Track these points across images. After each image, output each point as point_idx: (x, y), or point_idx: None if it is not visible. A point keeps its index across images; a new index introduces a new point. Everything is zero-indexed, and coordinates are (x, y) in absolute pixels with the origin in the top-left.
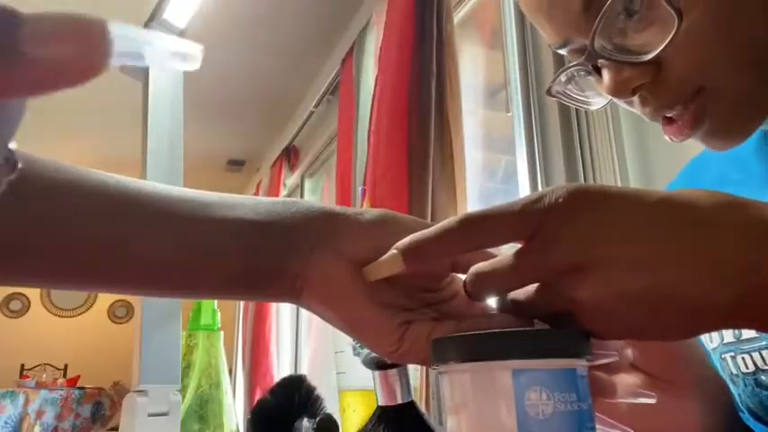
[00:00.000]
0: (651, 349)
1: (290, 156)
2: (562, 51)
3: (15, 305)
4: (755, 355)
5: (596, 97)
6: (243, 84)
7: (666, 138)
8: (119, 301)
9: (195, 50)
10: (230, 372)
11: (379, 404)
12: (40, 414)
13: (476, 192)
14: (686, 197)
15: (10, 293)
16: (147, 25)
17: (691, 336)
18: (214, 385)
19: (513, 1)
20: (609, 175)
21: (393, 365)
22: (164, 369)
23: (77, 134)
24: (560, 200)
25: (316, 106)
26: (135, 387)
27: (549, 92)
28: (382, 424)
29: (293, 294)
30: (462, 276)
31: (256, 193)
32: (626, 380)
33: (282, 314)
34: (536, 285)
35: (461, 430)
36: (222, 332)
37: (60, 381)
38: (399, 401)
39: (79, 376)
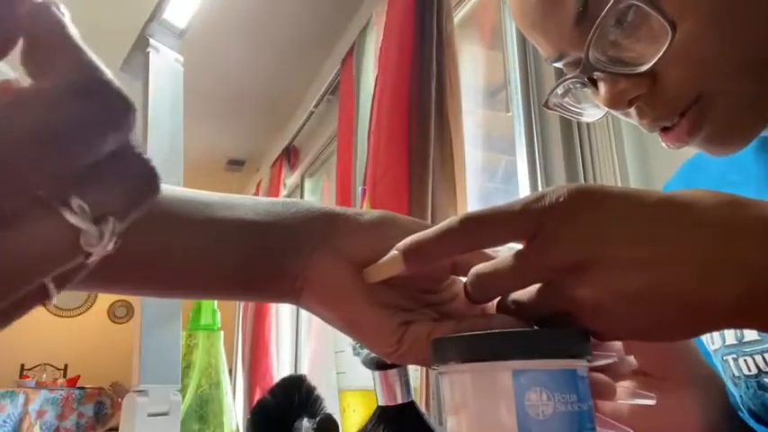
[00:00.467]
0: (645, 347)
1: (290, 156)
2: (558, 65)
3: None
4: (758, 358)
5: (593, 109)
6: (243, 84)
7: (664, 145)
8: (119, 301)
9: None
10: (230, 372)
11: (379, 404)
12: (40, 414)
13: (476, 192)
14: (687, 197)
15: None
16: (147, 25)
17: (691, 336)
18: (214, 385)
19: None
20: (609, 175)
21: (393, 365)
22: (164, 369)
23: None
24: (561, 199)
25: (316, 106)
26: (135, 387)
27: (546, 105)
28: (382, 424)
29: (293, 295)
30: (462, 279)
31: (256, 193)
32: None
33: (282, 314)
34: (536, 286)
35: (461, 430)
36: (222, 332)
37: (60, 381)
38: (399, 401)
39: (79, 376)
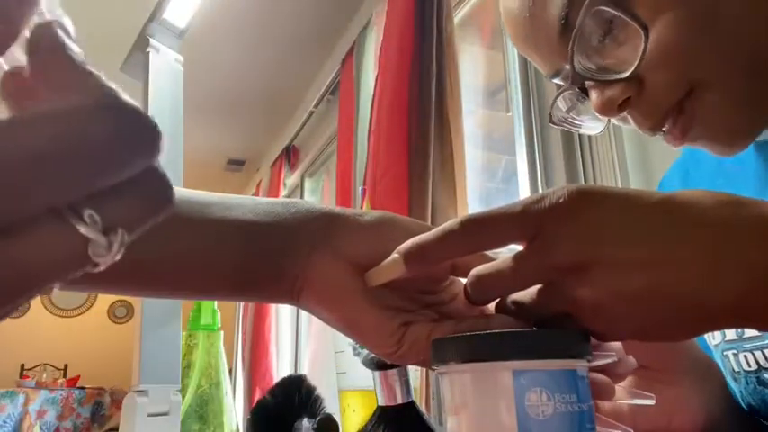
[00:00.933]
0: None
1: (290, 156)
2: (557, 81)
3: None
4: (758, 354)
5: (594, 121)
6: (243, 83)
7: (667, 142)
8: (119, 301)
9: None
10: (230, 372)
11: (379, 404)
12: (40, 414)
13: (476, 192)
14: (686, 197)
15: None
16: (147, 25)
17: (692, 336)
18: (214, 385)
19: None
20: (609, 175)
21: (393, 365)
22: (164, 369)
23: None
24: (561, 200)
25: (316, 106)
26: (135, 387)
27: (551, 121)
28: (382, 424)
29: (292, 296)
30: (462, 279)
31: (256, 193)
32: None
33: (282, 314)
34: (537, 287)
35: (461, 430)
36: (222, 332)
37: (60, 381)
38: (399, 401)
39: (79, 376)
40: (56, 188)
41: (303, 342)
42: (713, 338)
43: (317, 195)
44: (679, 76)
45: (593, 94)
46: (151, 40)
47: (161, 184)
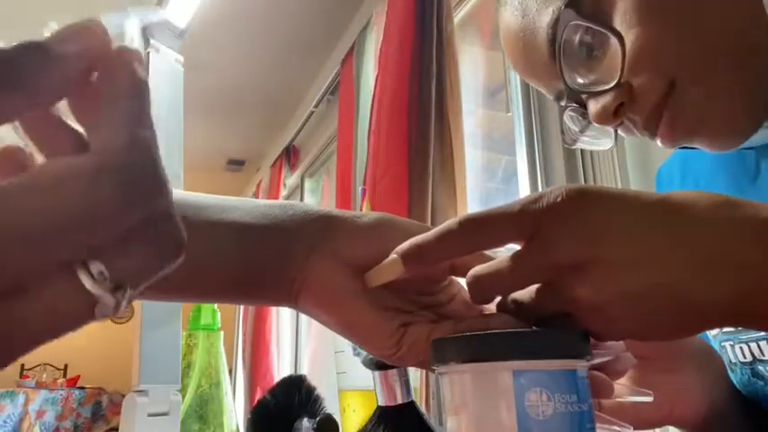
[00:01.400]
0: None
1: (290, 156)
2: (562, 103)
3: None
4: (753, 346)
5: (604, 137)
6: (243, 83)
7: (659, 144)
8: None
9: None
10: (230, 372)
11: (379, 404)
12: (40, 414)
13: (476, 192)
14: (684, 198)
15: None
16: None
17: (689, 335)
18: (214, 385)
19: None
20: (609, 175)
21: (393, 365)
22: (164, 369)
23: None
24: (559, 200)
25: (316, 106)
26: (135, 387)
27: (565, 142)
28: (382, 424)
29: (290, 298)
30: (460, 280)
31: (256, 193)
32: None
33: (282, 314)
34: (536, 286)
35: (461, 431)
36: (222, 332)
37: (60, 381)
38: (399, 401)
39: (79, 376)
40: (62, 250)
41: (303, 342)
42: (711, 330)
43: (316, 195)
44: (658, 75)
45: (590, 106)
46: (151, 41)
47: (170, 229)
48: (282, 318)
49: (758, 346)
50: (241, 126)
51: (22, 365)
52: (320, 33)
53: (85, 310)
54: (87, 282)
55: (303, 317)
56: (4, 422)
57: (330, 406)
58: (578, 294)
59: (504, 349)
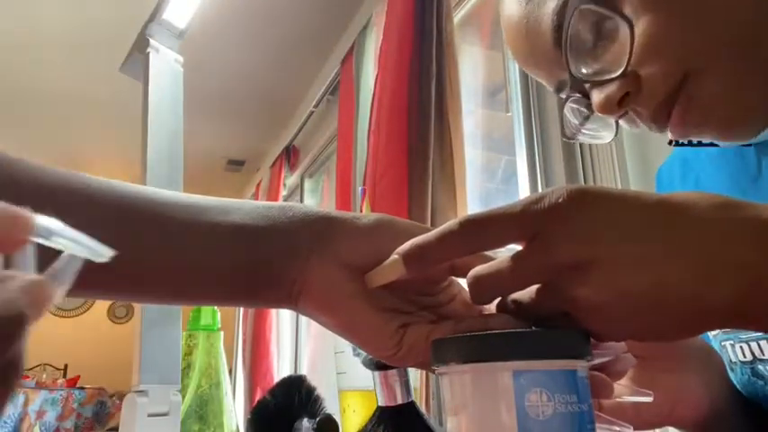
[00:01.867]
0: None
1: (290, 156)
2: (563, 95)
3: None
4: (753, 345)
5: (606, 129)
6: (243, 84)
7: (669, 136)
8: None
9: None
10: (230, 372)
11: (379, 404)
12: (40, 414)
13: (475, 192)
14: (684, 198)
15: None
16: (147, 25)
17: (689, 336)
18: (214, 385)
19: None
20: (609, 175)
21: (393, 366)
22: (164, 369)
23: (77, 134)
24: (560, 200)
25: (316, 106)
26: (135, 387)
27: (564, 135)
28: (382, 424)
29: (290, 300)
30: (460, 280)
31: (256, 194)
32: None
33: (282, 314)
34: (536, 286)
35: (461, 431)
36: (222, 332)
37: (60, 381)
38: (399, 402)
39: (79, 376)
40: None
41: (303, 342)
42: (712, 331)
43: (316, 196)
44: (670, 65)
45: (594, 95)
46: (151, 41)
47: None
48: (282, 318)
49: (758, 345)
50: (241, 126)
51: None
52: (320, 33)
53: None
54: None
55: (303, 317)
56: (4, 422)
57: (330, 406)
58: (579, 295)
59: (505, 349)
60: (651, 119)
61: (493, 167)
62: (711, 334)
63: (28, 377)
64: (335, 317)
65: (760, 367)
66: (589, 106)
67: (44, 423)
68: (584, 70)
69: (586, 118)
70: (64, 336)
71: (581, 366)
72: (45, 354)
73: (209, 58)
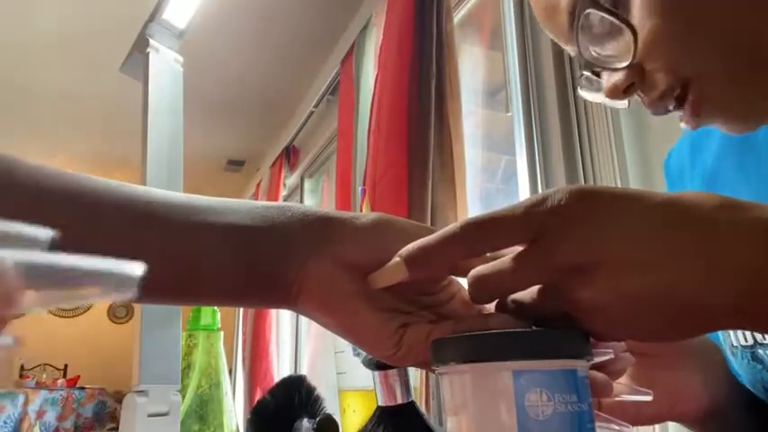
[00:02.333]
0: None
1: (289, 156)
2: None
3: None
4: None
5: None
6: (243, 84)
7: (682, 125)
8: None
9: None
10: (230, 372)
11: (379, 404)
12: (40, 414)
13: (476, 192)
14: (687, 199)
15: None
16: (147, 25)
17: (691, 336)
18: (214, 385)
19: (513, 1)
20: (609, 175)
21: (393, 366)
22: (164, 369)
23: (77, 134)
24: (562, 201)
25: (316, 106)
26: (135, 387)
27: (580, 90)
28: (382, 424)
29: (290, 301)
30: (460, 279)
31: (256, 194)
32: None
33: (282, 314)
34: (536, 287)
35: (461, 431)
36: (222, 332)
37: (60, 381)
38: (399, 402)
39: (79, 376)
40: None
41: (303, 342)
42: (714, 332)
43: (316, 196)
44: (671, 65)
45: (604, 79)
46: (151, 41)
47: None
48: (282, 318)
49: None
50: (241, 126)
51: (22, 366)
52: (320, 33)
53: None
54: None
55: (303, 317)
56: (4, 423)
57: (330, 406)
58: (581, 296)
59: (504, 349)
60: (652, 108)
61: (493, 167)
62: None
63: (28, 377)
64: (335, 317)
65: (760, 351)
66: (599, 83)
67: (44, 423)
68: (594, 54)
69: (598, 90)
70: (64, 336)
71: (581, 366)
72: (45, 354)
73: (209, 58)
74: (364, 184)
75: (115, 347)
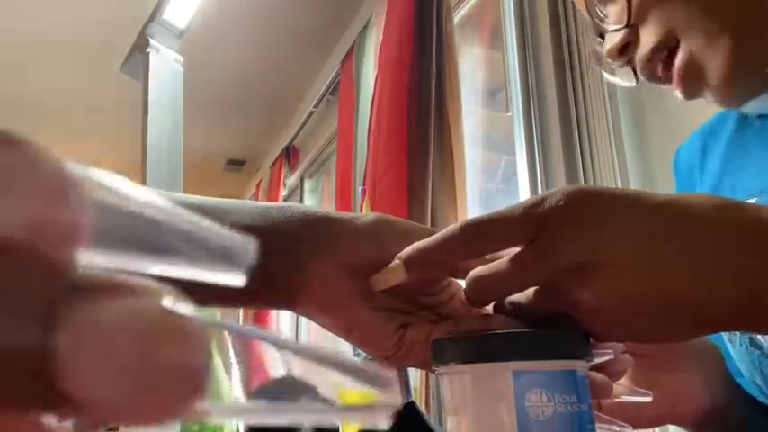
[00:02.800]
0: None
1: (289, 156)
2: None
3: None
4: None
5: (626, 76)
6: (243, 84)
7: (677, 95)
8: None
9: None
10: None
11: None
12: None
13: (476, 192)
14: (687, 200)
15: None
16: (147, 25)
17: (691, 338)
18: None
19: (513, 1)
20: (609, 175)
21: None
22: None
23: (77, 134)
24: (561, 203)
25: (316, 106)
26: None
27: (594, 61)
28: None
29: (289, 301)
30: (460, 280)
31: (256, 194)
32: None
33: (282, 314)
34: (534, 288)
35: (461, 431)
36: None
37: None
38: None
39: None
40: None
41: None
42: (713, 333)
43: (316, 196)
44: (659, 27)
45: (605, 41)
46: (151, 41)
47: None
48: (282, 318)
49: None
50: (241, 126)
51: None
52: (320, 33)
53: None
54: None
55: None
56: None
57: None
58: (580, 297)
59: (505, 350)
60: (644, 68)
61: (493, 167)
62: None
63: None
64: (335, 317)
65: (758, 337)
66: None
67: None
68: (600, 15)
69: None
70: None
71: (581, 367)
72: None
73: (209, 58)
74: (364, 184)
75: None
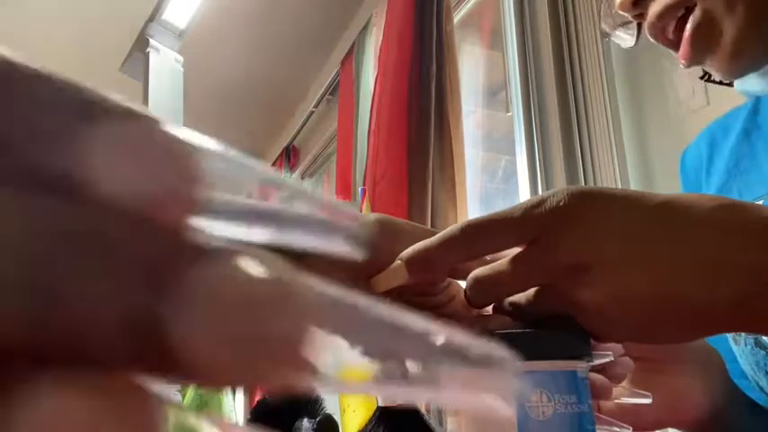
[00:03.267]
0: None
1: (289, 156)
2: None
3: None
4: None
5: (627, 34)
6: (243, 84)
7: (681, 63)
8: None
9: None
10: None
11: (379, 404)
12: None
13: (476, 192)
14: (687, 200)
15: None
16: (147, 25)
17: (691, 338)
18: None
19: (513, 1)
20: (609, 176)
21: None
22: None
23: None
24: (561, 203)
25: (316, 106)
26: None
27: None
28: (382, 425)
29: None
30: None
31: None
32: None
33: None
34: (534, 289)
35: (461, 431)
36: None
37: None
38: (399, 402)
39: None
40: None
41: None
42: (713, 334)
43: None
44: None
45: None
46: (151, 41)
47: None
48: None
49: None
50: (241, 126)
51: None
52: (320, 33)
53: None
54: None
55: None
56: None
57: (330, 406)
58: (580, 297)
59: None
60: (656, 24)
61: (493, 167)
62: None
63: None
64: None
65: (764, 338)
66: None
67: None
68: None
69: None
70: None
71: (581, 367)
72: None
73: (209, 58)
74: (364, 184)
75: None
